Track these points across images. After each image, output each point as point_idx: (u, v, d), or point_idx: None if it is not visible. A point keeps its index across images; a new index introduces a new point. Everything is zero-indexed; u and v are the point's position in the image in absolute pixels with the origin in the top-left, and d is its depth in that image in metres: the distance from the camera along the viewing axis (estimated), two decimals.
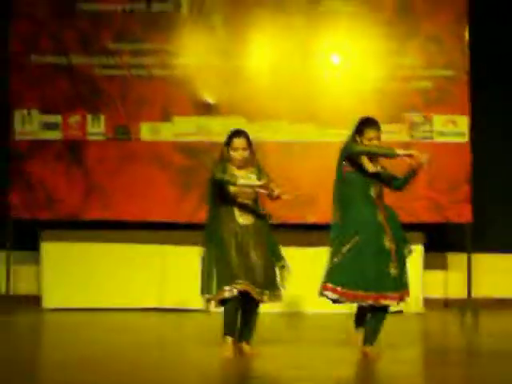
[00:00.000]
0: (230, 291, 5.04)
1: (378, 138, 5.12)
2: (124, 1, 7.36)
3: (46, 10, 7.32)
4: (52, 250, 7.40)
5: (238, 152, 5.16)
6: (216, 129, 7.11)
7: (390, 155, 5.02)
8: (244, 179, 5.10)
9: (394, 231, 5.12)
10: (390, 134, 6.83)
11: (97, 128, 7.31)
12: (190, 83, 7.30)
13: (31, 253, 7.48)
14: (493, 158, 7.57)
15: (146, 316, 7.13)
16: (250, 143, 5.21)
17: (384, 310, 5.11)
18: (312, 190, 7.01)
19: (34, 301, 7.37)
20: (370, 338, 5.09)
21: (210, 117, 7.24)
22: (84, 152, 7.30)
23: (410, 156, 5.00)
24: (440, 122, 7.28)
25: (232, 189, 5.13)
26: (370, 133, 5.10)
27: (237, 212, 5.18)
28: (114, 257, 7.36)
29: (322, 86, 7.34)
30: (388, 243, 5.08)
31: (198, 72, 7.32)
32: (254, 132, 6.87)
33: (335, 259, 5.08)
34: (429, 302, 7.48)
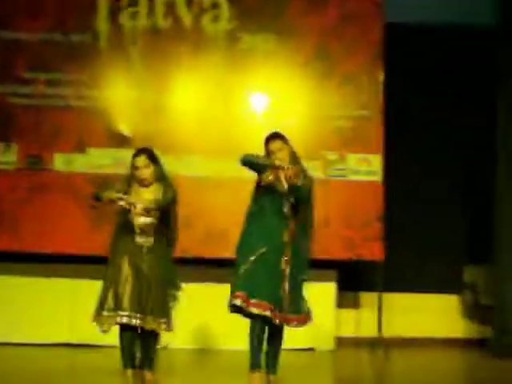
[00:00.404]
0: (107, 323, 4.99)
1: (281, 150, 5.12)
2: (41, 30, 7.21)
3: None
4: None
5: (140, 171, 5.09)
6: None
7: (266, 166, 5.04)
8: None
9: (294, 254, 5.08)
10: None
11: (8, 157, 7.15)
12: (105, 115, 7.21)
13: None
14: (406, 197, 7.66)
15: (56, 350, 6.98)
16: (153, 160, 5.14)
17: (281, 334, 5.12)
18: (225, 225, 6.95)
19: None
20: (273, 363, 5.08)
21: (125, 149, 7.09)
22: None
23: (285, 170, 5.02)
24: (354, 160, 7.34)
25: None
26: (270, 145, 5.14)
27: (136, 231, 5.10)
28: (23, 290, 7.16)
29: (239, 122, 7.33)
30: (284, 265, 5.05)
31: (115, 104, 7.24)
32: (169, 165, 6.91)
33: (243, 267, 5.05)
34: (341, 340, 7.49)
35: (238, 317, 5.11)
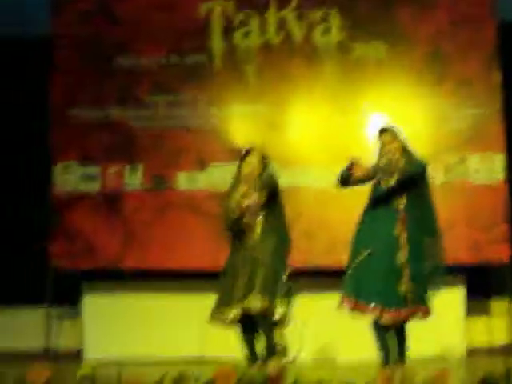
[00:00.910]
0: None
1: (391, 142, 5.22)
2: (160, 54, 7.42)
3: (85, 64, 7.43)
4: (93, 303, 7.33)
5: (249, 168, 5.21)
6: None
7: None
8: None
9: (412, 246, 5.04)
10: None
11: (134, 179, 7.35)
12: (223, 132, 7.32)
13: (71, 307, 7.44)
14: None
15: (187, 365, 7.02)
16: (263, 162, 5.25)
17: (401, 331, 5.07)
18: (347, 237, 6.90)
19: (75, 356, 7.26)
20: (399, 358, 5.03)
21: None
22: (122, 202, 7.31)
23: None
24: (475, 161, 7.21)
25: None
26: (382, 137, 5.26)
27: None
28: (154, 307, 7.24)
29: (356, 132, 7.27)
30: (401, 259, 5.02)
31: (232, 121, 7.34)
32: (289, 177, 6.96)
33: (349, 271, 5.11)
34: (472, 350, 7.25)
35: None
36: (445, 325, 6.89)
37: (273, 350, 5.09)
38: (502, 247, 7.07)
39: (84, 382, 6.27)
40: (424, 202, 5.21)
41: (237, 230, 5.19)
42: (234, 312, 5.05)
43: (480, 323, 7.47)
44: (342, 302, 5.10)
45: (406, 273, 5.01)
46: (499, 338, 7.32)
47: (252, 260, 5.10)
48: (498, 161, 7.16)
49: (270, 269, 5.11)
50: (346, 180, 5.28)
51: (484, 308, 7.52)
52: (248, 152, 5.25)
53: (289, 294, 5.20)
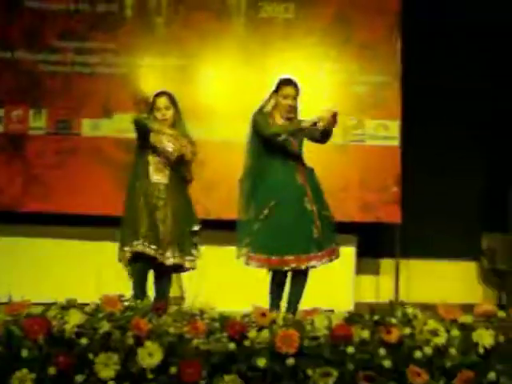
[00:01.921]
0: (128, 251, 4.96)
1: (295, 98, 5.08)
2: (70, 0, 7.33)
3: None
4: None
5: (160, 112, 5.09)
6: None
7: (298, 129, 4.98)
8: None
9: (313, 193, 5.07)
10: None
11: (38, 123, 7.28)
12: (131, 81, 7.29)
13: None
14: (424, 163, 7.63)
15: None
16: (173, 102, 5.15)
17: (304, 273, 5.08)
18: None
19: None
20: (295, 306, 5.02)
21: None
22: (25, 145, 7.24)
23: (317, 121, 4.97)
24: (372, 126, 7.39)
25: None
26: (285, 90, 5.08)
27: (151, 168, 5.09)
28: (51, 252, 7.24)
29: (261, 88, 7.27)
30: (309, 205, 5.03)
31: (139, 70, 7.34)
32: (194, 129, 6.98)
33: (254, 226, 5.00)
34: (359, 306, 7.41)
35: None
36: (335, 282, 7.09)
37: (163, 296, 5.08)
38: (394, 208, 7.30)
39: None
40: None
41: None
42: (134, 248, 4.96)
43: (368, 281, 7.74)
44: (249, 259, 5.01)
45: (316, 218, 5.01)
46: (386, 297, 7.57)
47: (163, 208, 5.03)
48: (394, 127, 7.35)
49: (184, 223, 5.08)
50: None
51: (373, 267, 7.79)
52: (157, 96, 5.15)
53: (196, 248, 5.16)
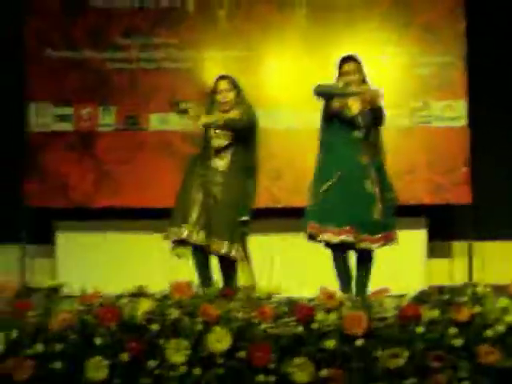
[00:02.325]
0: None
1: (355, 72, 5.07)
2: None
3: (58, 6, 7.38)
4: (66, 241, 7.38)
5: (222, 95, 5.10)
6: None
7: (343, 94, 5.00)
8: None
9: (378, 176, 5.03)
10: (391, 118, 6.79)
11: (107, 120, 7.37)
12: (196, 75, 7.33)
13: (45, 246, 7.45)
14: (491, 143, 7.46)
15: None
16: (234, 85, 5.15)
17: (368, 256, 5.05)
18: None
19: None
20: (362, 289, 4.99)
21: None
22: (95, 142, 7.35)
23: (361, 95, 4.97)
24: (438, 107, 7.27)
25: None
26: (344, 67, 5.09)
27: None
28: (126, 246, 7.33)
29: (324, 75, 7.24)
30: (370, 186, 4.99)
31: (204, 64, 7.37)
32: (259, 119, 7.00)
33: (317, 200, 5.01)
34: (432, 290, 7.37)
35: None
36: (406, 265, 7.04)
37: (229, 282, 5.06)
38: (463, 189, 7.19)
39: None
40: (379, 136, 5.17)
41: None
42: (180, 235, 5.02)
43: (441, 264, 7.62)
44: (309, 229, 5.01)
45: (377, 200, 4.97)
46: (459, 280, 7.46)
47: (217, 194, 5.03)
48: (461, 107, 7.23)
49: (235, 212, 5.05)
50: (330, 97, 5.05)
51: (445, 250, 7.67)
52: (218, 80, 5.18)
53: (243, 239, 5.13)
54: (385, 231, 5.02)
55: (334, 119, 5.06)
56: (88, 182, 7.28)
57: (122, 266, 7.18)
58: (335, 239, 4.93)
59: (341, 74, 5.10)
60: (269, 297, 3.73)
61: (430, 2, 7.30)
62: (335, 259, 5.05)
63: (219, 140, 5.11)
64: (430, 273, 7.40)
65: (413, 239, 7.16)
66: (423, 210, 7.25)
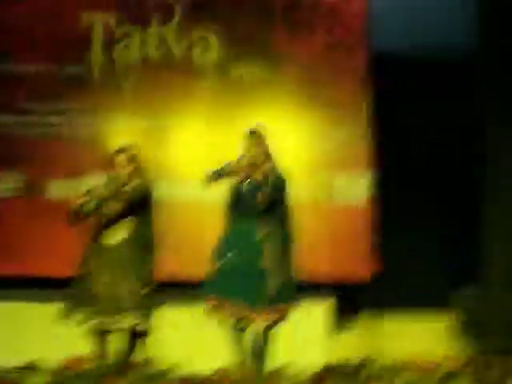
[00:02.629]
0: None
1: (256, 146, 5.16)
2: (39, 62, 7.29)
3: None
4: None
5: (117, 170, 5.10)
6: None
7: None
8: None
9: (273, 252, 5.01)
10: (294, 192, 6.78)
11: (7, 184, 7.18)
12: (99, 142, 7.22)
13: None
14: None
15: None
16: (131, 159, 5.13)
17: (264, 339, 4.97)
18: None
19: None
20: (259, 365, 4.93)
21: None
22: None
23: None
24: (341, 180, 7.29)
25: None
26: (249, 140, 5.24)
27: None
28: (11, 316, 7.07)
29: (231, 149, 7.04)
30: (263, 262, 4.97)
31: (108, 132, 7.27)
32: (161, 190, 6.91)
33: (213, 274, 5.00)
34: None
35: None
36: (311, 339, 6.99)
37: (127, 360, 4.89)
38: (364, 265, 7.20)
39: None
40: (284, 209, 5.20)
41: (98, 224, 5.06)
42: (89, 319, 4.90)
43: (346, 338, 7.54)
44: (207, 303, 5.00)
45: (272, 276, 4.95)
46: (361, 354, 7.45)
47: (113, 268, 4.97)
48: (365, 179, 7.29)
49: (137, 283, 5.01)
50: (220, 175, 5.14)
51: (350, 324, 7.65)
52: (118, 152, 5.13)
53: (151, 308, 5.09)
54: (277, 307, 4.97)
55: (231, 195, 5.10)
56: None
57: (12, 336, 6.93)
58: (229, 317, 4.93)
59: (244, 148, 5.16)
60: (163, 374, 3.59)
61: (335, 79, 7.40)
62: (232, 335, 5.01)
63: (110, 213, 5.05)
64: (336, 347, 7.35)
65: (317, 314, 7.14)
66: (325, 286, 7.21)
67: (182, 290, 6.84)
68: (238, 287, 4.91)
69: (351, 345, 7.54)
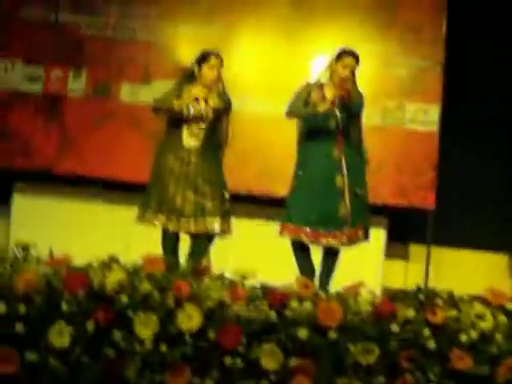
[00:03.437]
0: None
1: (353, 69, 4.99)
2: None
3: None
4: (23, 203, 7.15)
5: (214, 71, 4.99)
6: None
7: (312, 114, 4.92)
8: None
9: (350, 170, 4.93)
10: (363, 116, 6.72)
11: (77, 84, 7.13)
12: (171, 49, 7.12)
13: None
14: (464, 149, 7.39)
15: None
16: (221, 65, 5.07)
17: (334, 253, 4.98)
18: (282, 163, 6.78)
19: None
20: (325, 286, 4.88)
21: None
22: (62, 106, 7.10)
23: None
24: (411, 109, 7.17)
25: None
26: (346, 60, 4.98)
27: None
28: (84, 215, 7.09)
29: (299, 64, 7.12)
30: (340, 181, 4.90)
31: (180, 39, 7.16)
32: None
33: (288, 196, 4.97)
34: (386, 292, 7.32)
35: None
36: (363, 264, 6.94)
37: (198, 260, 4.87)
38: (428, 194, 7.10)
39: None
40: (358, 130, 5.10)
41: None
42: (168, 221, 4.89)
43: (397, 266, 7.52)
44: (283, 231, 4.96)
45: (346, 195, 4.88)
46: (414, 283, 7.38)
47: (195, 174, 4.93)
48: (433, 112, 7.13)
49: (219, 188, 4.99)
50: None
51: (403, 252, 7.58)
52: (209, 55, 5.05)
53: (229, 213, 5.07)
54: (350, 228, 4.93)
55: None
56: (52, 146, 7.04)
57: (79, 234, 6.93)
58: (293, 237, 4.92)
59: (339, 65, 4.97)
60: (243, 278, 3.58)
61: (413, 2, 7.20)
62: (295, 254, 5.01)
63: (201, 121, 4.99)
64: (386, 274, 7.34)
65: (371, 238, 7.06)
66: (385, 209, 7.15)
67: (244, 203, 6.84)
68: (304, 210, 4.87)
69: (405, 273, 7.53)
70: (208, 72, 4.99)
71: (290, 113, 5.02)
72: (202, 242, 4.96)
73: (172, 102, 4.96)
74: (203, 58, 5.03)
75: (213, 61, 5.00)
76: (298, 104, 4.98)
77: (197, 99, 4.96)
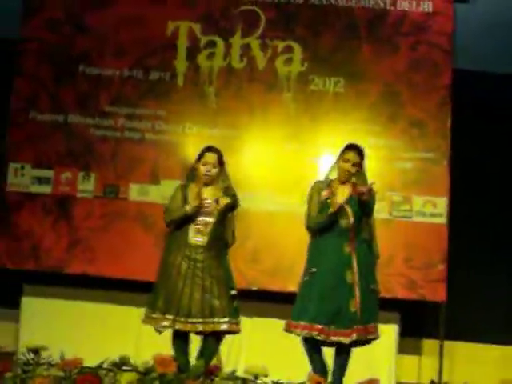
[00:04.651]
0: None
1: (355, 165, 5.09)
2: (124, 67, 7.44)
3: (48, 70, 7.43)
4: (32, 307, 7.22)
5: (207, 167, 5.08)
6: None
7: (331, 217, 4.99)
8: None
9: (361, 266, 4.99)
10: None
11: (86, 186, 7.30)
12: (179, 149, 7.32)
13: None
14: (472, 240, 7.51)
15: None
16: (220, 161, 5.15)
17: (346, 349, 4.98)
18: (293, 259, 6.85)
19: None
20: (337, 380, 4.91)
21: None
22: (72, 207, 7.28)
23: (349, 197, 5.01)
24: (419, 202, 7.28)
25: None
26: (346, 154, 5.11)
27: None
28: (93, 316, 7.17)
29: (309, 160, 7.34)
30: (350, 277, 4.96)
31: (188, 139, 7.35)
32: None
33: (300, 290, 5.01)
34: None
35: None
36: (376, 360, 6.92)
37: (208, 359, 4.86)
38: (439, 287, 7.14)
39: None
40: (369, 225, 5.19)
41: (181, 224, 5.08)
42: (176, 321, 4.91)
43: (411, 361, 7.49)
44: (288, 326, 5.01)
45: (357, 291, 4.95)
46: (428, 378, 7.35)
47: (202, 272, 4.99)
48: (442, 204, 7.24)
49: (226, 286, 5.00)
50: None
51: (416, 347, 7.56)
52: (204, 151, 5.18)
53: (238, 312, 5.06)
54: (361, 325, 4.97)
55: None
56: (62, 247, 7.18)
57: (89, 335, 7.02)
58: (305, 335, 4.94)
59: (341, 160, 5.12)
60: (255, 377, 3.61)
61: (417, 97, 7.38)
62: (307, 350, 5.04)
63: (207, 217, 5.06)
64: (399, 369, 7.30)
65: (384, 333, 7.05)
66: (396, 304, 7.18)
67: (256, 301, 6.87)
68: (317, 307, 4.92)
69: (418, 368, 7.49)
70: (201, 168, 5.10)
71: (309, 228, 5.14)
72: (212, 341, 4.95)
73: (182, 209, 5.04)
74: (199, 155, 5.15)
75: (206, 157, 5.12)
76: (314, 214, 5.11)
77: (202, 197, 5.04)
